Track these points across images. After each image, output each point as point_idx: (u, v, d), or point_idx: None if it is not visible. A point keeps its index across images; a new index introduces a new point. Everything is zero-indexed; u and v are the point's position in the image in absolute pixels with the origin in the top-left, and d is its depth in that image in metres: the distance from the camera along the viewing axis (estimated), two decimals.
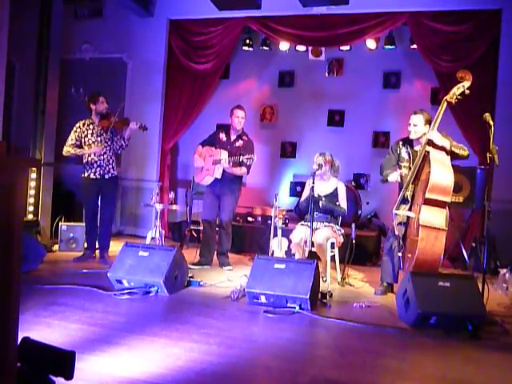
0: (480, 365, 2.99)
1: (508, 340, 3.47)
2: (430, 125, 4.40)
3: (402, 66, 7.45)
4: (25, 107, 6.48)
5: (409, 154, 4.52)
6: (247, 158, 5.13)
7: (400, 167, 4.56)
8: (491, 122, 4.02)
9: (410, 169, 4.43)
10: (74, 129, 5.50)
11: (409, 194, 4.37)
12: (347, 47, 7.36)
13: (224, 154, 5.28)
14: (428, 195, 4.14)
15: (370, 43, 7.23)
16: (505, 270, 4.97)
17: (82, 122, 5.52)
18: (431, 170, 4.13)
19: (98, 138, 5.44)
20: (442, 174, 4.16)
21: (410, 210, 4.37)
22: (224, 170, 5.36)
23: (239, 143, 5.51)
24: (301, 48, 7.56)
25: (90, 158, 5.45)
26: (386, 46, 7.21)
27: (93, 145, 5.42)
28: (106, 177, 5.47)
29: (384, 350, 3.15)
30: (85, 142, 5.45)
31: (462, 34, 6.46)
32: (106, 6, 8.09)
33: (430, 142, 4.25)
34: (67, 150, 5.45)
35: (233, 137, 5.55)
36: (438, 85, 6.79)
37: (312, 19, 6.98)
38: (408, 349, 3.26)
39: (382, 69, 7.55)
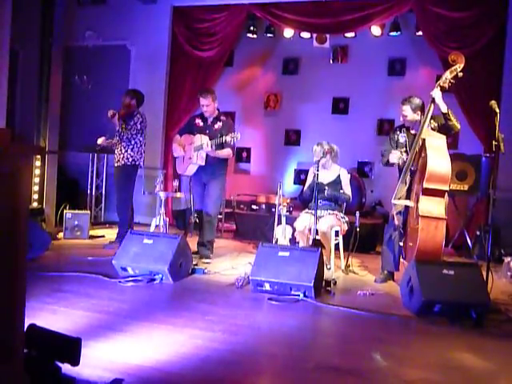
0: (483, 352, 2.99)
1: (511, 328, 3.48)
2: (421, 111, 4.44)
3: (408, 52, 7.38)
4: (28, 95, 6.47)
5: (406, 139, 4.52)
6: (232, 137, 4.92)
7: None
8: (497, 110, 3.98)
9: (407, 153, 4.42)
10: None
11: (407, 180, 4.36)
12: (352, 34, 7.28)
13: (205, 139, 5.04)
14: (426, 185, 4.11)
15: (375, 30, 7.15)
16: (509, 258, 4.96)
17: None
18: (428, 159, 4.11)
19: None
20: (438, 162, 4.13)
21: (408, 198, 4.37)
22: (207, 155, 5.12)
23: (218, 125, 5.24)
24: (305, 35, 7.49)
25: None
26: (392, 33, 7.13)
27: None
28: (115, 165, 5.73)
29: (388, 338, 3.16)
30: None
31: (468, 21, 6.38)
32: None
33: (432, 100, 4.27)
34: None
35: (210, 119, 5.29)
36: (443, 72, 6.71)
37: (317, 6, 6.90)
38: (412, 336, 3.28)
39: (387, 56, 7.49)
